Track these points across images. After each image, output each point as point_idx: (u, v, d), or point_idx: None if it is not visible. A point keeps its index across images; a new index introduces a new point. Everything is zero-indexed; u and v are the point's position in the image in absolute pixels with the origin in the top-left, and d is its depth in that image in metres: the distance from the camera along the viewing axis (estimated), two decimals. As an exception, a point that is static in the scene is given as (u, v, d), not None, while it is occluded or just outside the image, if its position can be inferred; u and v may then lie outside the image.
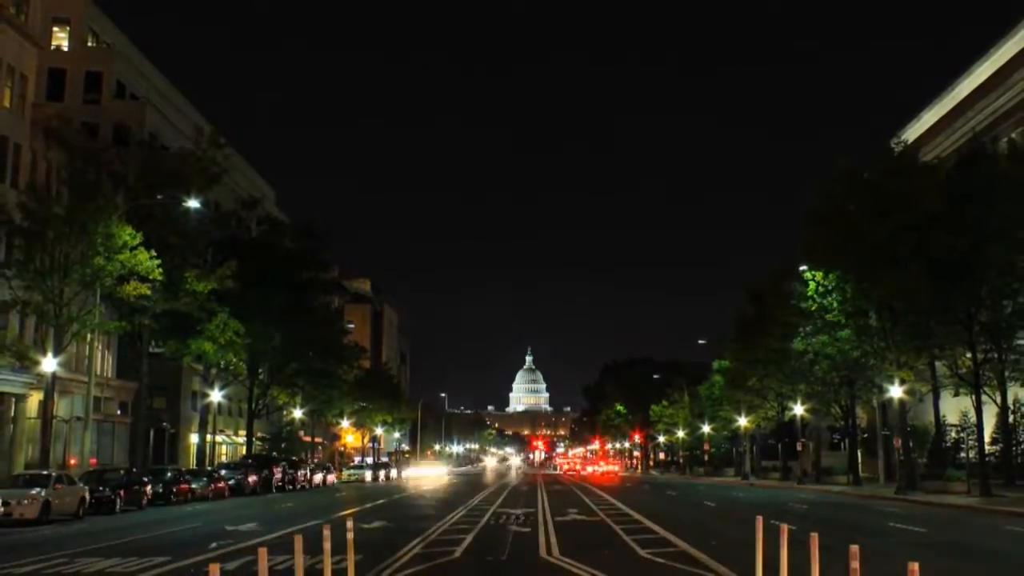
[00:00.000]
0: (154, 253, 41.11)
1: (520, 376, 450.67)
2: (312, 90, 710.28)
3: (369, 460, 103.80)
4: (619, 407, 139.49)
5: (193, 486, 44.31)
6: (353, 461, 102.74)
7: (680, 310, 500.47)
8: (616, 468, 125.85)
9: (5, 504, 28.92)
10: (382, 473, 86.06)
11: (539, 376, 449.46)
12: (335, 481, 72.63)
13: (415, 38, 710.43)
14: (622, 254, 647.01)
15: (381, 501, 42.54)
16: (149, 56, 71.89)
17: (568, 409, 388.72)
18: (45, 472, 33.84)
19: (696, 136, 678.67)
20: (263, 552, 10.30)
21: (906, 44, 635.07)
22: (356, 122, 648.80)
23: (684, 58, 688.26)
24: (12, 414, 43.98)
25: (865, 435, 66.07)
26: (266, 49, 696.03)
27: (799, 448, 68.41)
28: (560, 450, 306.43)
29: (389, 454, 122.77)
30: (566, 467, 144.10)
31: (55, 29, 61.36)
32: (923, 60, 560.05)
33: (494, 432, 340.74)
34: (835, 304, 46.36)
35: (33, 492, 30.21)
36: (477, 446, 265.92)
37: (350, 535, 13.63)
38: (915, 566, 8.75)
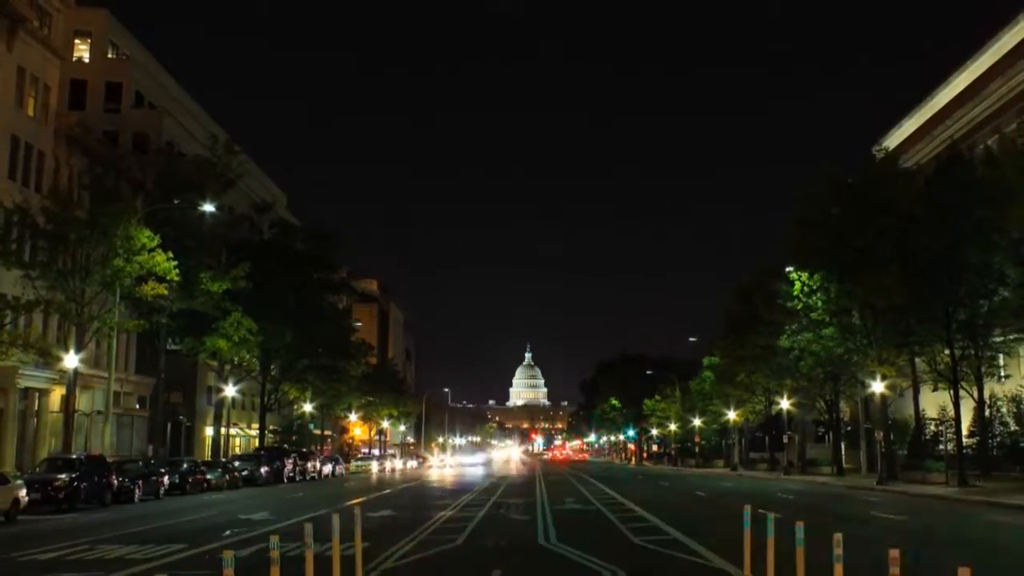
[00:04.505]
0: (171, 255, 41.17)
1: (520, 372, 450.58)
2: (307, 88, 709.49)
3: (377, 452, 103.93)
4: (613, 401, 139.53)
5: (208, 477, 44.35)
6: (361, 453, 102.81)
7: (674, 309, 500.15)
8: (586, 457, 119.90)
9: None
10: (387, 464, 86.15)
11: (538, 372, 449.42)
12: (343, 472, 72.69)
13: (421, 38, 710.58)
14: (619, 254, 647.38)
15: (387, 491, 42.53)
16: (166, 67, 72.02)
17: (565, 403, 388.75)
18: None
19: (690, 138, 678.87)
20: (275, 539, 10.30)
21: (893, 49, 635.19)
22: (353, 120, 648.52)
23: (674, 58, 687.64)
24: (36, 408, 44.06)
25: (848, 428, 66.09)
26: (270, 49, 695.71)
27: (785, 440, 68.42)
28: (558, 442, 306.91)
29: (395, 446, 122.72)
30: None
31: (77, 42, 61.45)
32: (907, 68, 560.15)
33: (495, 425, 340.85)
34: (819, 303, 46.35)
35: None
36: (479, 439, 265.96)
37: (358, 523, 13.63)
38: (895, 552, 8.76)
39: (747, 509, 13.65)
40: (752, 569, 12.98)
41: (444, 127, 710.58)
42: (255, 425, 70.14)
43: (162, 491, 38.37)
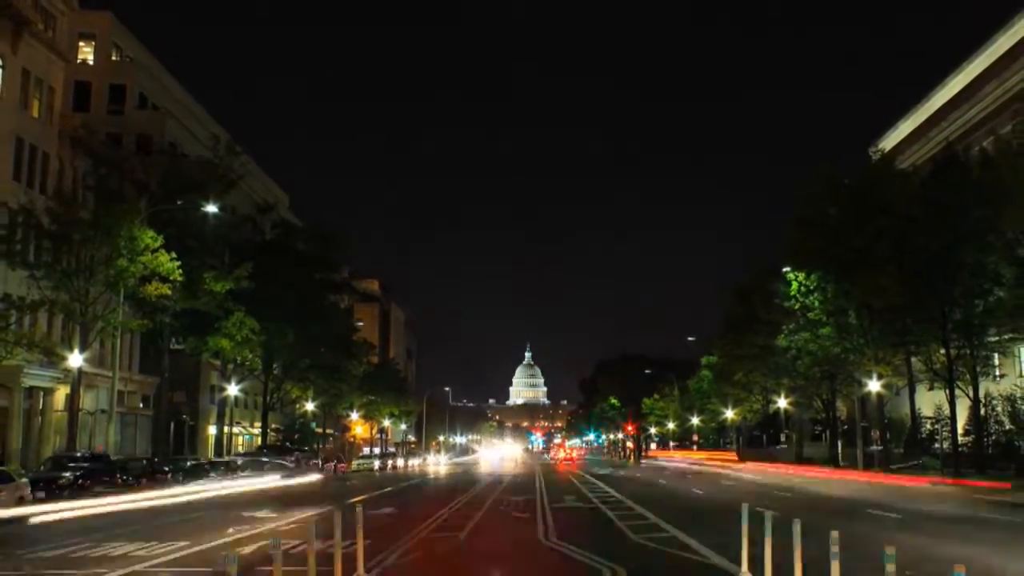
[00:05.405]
0: (174, 255, 41.18)
1: (520, 371, 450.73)
2: (309, 88, 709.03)
3: (378, 450, 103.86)
4: (613, 400, 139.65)
5: (211, 475, 44.28)
6: (362, 451, 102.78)
7: (674, 309, 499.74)
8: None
9: None
10: (389, 462, 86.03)
11: (537, 371, 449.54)
12: (345, 470, 72.64)
13: (421, 36, 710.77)
14: (620, 254, 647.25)
15: (389, 489, 42.52)
16: (169, 69, 72.02)
17: (565, 402, 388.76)
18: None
19: (689, 137, 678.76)
20: (278, 537, 10.30)
21: (888, 53, 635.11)
22: (354, 118, 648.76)
23: (673, 57, 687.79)
24: (41, 407, 44.03)
25: (845, 427, 66.12)
26: (271, 50, 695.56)
27: (783, 439, 68.46)
28: (557, 440, 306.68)
29: (396, 444, 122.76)
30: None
31: (81, 44, 61.40)
32: (907, 68, 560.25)
33: (495, 424, 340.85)
34: (816, 303, 46.39)
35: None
36: (479, 437, 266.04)
37: (360, 521, 13.64)
38: (892, 549, 8.77)
39: (745, 507, 13.66)
40: (750, 566, 12.98)
41: (445, 127, 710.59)
42: (258, 424, 70.16)
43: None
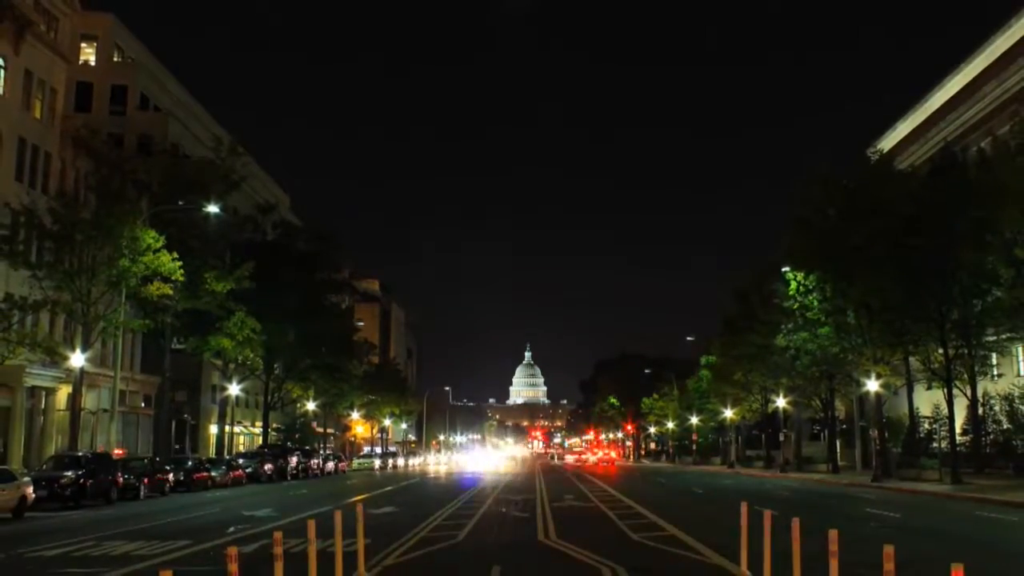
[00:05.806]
0: (176, 255, 41.19)
1: (520, 370, 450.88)
2: (310, 92, 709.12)
3: (379, 450, 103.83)
4: (612, 400, 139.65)
5: (212, 474, 44.34)
6: (363, 451, 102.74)
7: (674, 309, 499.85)
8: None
9: None
10: (390, 462, 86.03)
11: (537, 371, 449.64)
12: (346, 469, 72.66)
13: (415, 48, 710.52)
14: (620, 253, 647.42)
15: (389, 488, 42.50)
16: (170, 69, 72.05)
17: (564, 402, 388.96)
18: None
19: (684, 145, 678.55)
20: (278, 536, 10.28)
21: (886, 53, 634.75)
22: (356, 119, 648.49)
23: (671, 59, 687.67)
24: (43, 407, 43.99)
25: (843, 426, 66.09)
26: (271, 52, 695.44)
27: (781, 438, 68.39)
28: (557, 440, 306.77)
29: (397, 444, 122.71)
30: None
31: (83, 45, 61.46)
32: (906, 69, 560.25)
33: (495, 423, 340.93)
34: (815, 303, 46.34)
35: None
36: (480, 436, 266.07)
37: (360, 520, 13.62)
38: (890, 549, 8.74)
39: (744, 506, 13.65)
40: (749, 565, 12.97)
41: (445, 129, 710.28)
42: (259, 423, 70.18)
43: (167, 488, 38.38)
